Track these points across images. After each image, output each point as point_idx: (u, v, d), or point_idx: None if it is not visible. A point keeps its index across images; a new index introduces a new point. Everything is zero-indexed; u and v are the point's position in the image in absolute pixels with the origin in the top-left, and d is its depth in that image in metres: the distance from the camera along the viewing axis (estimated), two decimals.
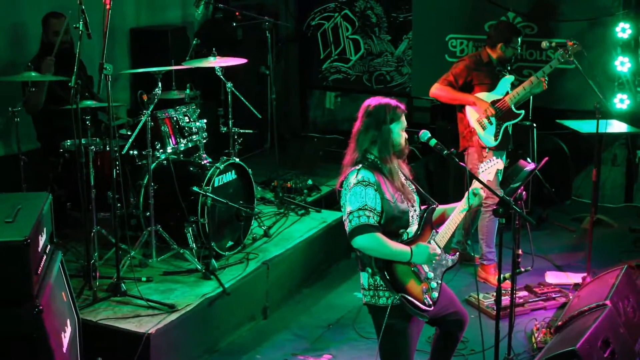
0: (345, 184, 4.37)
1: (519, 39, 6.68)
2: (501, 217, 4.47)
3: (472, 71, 6.65)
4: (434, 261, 4.39)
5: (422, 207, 4.57)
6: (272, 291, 6.43)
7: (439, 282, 4.44)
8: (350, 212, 4.25)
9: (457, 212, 4.51)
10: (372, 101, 4.46)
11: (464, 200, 4.50)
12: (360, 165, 4.36)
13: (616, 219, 8.21)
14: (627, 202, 8.80)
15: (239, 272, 6.16)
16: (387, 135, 4.37)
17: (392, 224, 4.34)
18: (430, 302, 4.35)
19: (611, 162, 8.78)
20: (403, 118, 4.44)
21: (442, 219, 4.56)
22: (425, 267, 4.39)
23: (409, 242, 4.35)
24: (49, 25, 6.68)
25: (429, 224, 4.49)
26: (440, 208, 4.62)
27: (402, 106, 4.46)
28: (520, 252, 4.69)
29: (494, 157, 4.85)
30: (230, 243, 6.51)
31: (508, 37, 6.62)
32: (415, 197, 4.54)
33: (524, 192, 4.68)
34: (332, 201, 7.74)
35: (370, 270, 4.36)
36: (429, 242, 4.42)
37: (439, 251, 4.41)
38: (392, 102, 4.44)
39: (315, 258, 6.99)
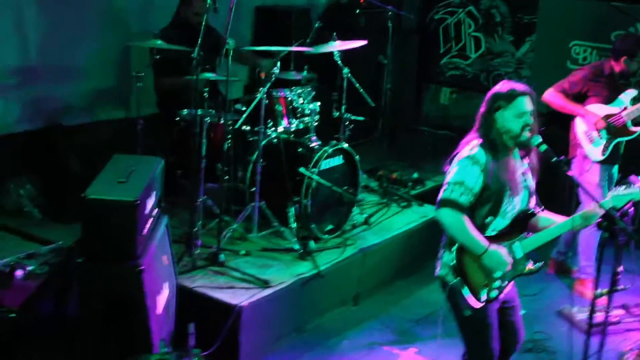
0: (457, 157, 4.34)
1: None
2: (605, 231, 4.38)
3: (589, 82, 6.48)
4: (502, 271, 4.30)
5: (527, 207, 4.48)
6: (365, 279, 6.47)
7: (505, 284, 4.38)
8: (448, 182, 4.27)
9: (556, 226, 4.42)
10: (497, 85, 4.40)
11: (570, 218, 4.40)
12: (478, 142, 4.32)
13: None
14: None
15: (335, 257, 6.21)
16: (499, 122, 4.28)
17: (482, 208, 4.30)
18: (484, 300, 4.31)
19: None
20: (521, 102, 4.26)
21: (540, 227, 4.47)
22: None
23: (492, 239, 4.29)
24: (191, 4, 6.66)
25: (521, 226, 4.42)
26: (546, 217, 4.52)
27: (520, 88, 4.30)
28: (621, 269, 4.58)
29: (636, 185, 4.67)
30: (330, 227, 6.57)
31: (633, 50, 6.42)
32: (524, 194, 4.45)
33: (631, 209, 4.57)
34: (435, 197, 7.64)
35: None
36: (514, 243, 4.36)
37: (510, 263, 4.30)
38: (506, 87, 4.32)
39: (412, 252, 6.97)
